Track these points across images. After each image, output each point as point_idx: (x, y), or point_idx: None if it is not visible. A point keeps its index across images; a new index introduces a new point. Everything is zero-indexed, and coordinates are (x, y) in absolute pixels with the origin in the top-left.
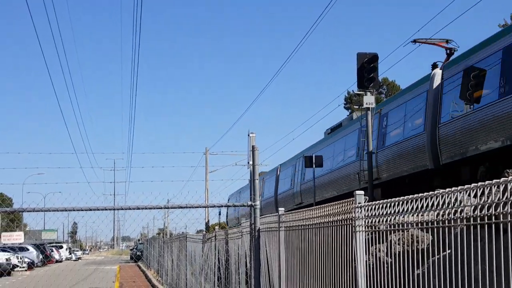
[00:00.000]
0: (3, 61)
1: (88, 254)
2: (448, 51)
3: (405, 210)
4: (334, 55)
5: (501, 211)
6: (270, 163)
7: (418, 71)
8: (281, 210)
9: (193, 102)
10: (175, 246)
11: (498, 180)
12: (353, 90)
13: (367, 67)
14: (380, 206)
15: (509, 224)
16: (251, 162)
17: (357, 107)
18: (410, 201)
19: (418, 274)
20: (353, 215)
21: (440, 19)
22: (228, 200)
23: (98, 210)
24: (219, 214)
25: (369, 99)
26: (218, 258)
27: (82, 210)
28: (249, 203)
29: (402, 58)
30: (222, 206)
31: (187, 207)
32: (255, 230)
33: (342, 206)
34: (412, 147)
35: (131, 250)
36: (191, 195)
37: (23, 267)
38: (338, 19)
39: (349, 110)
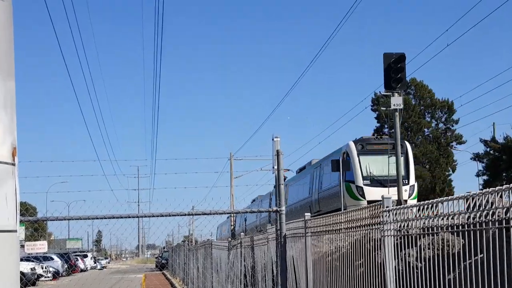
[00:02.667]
0: (25, 67)
1: (109, 263)
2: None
3: (436, 213)
4: (361, 56)
5: None
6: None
7: (449, 71)
8: (307, 215)
9: (217, 107)
10: (200, 254)
11: None
12: (380, 92)
13: (394, 68)
14: (410, 209)
15: None
16: (275, 167)
17: (384, 108)
18: (440, 203)
19: (449, 279)
20: (381, 219)
21: (474, 14)
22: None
23: (122, 218)
24: (232, 228)
25: (396, 100)
26: (244, 265)
27: (105, 218)
28: (275, 208)
29: (430, 58)
30: (247, 212)
31: (211, 214)
32: (281, 236)
33: (370, 210)
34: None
35: (156, 258)
36: (215, 201)
37: (48, 277)
38: (364, 19)
39: (377, 112)
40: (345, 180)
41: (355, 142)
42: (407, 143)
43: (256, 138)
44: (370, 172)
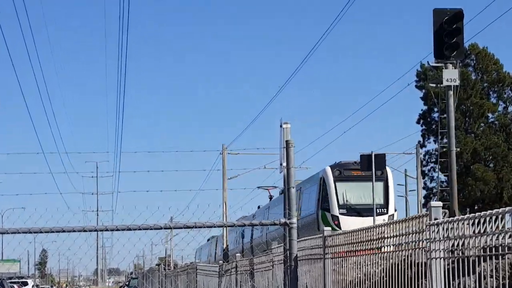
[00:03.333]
0: None
1: None
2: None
3: (502, 228)
4: (400, 12)
5: None
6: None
7: None
8: (327, 229)
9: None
10: (181, 281)
11: None
12: (428, 62)
13: (447, 29)
14: (466, 222)
15: None
16: (284, 163)
17: (433, 85)
18: (508, 215)
19: None
20: (427, 236)
21: None
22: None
23: (75, 231)
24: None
25: (450, 74)
26: None
27: (52, 232)
28: (282, 220)
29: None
30: (245, 226)
31: (196, 227)
32: (291, 258)
33: (411, 223)
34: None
35: (121, 287)
36: (201, 210)
37: None
38: None
39: (423, 91)
40: (321, 208)
41: (332, 167)
42: (388, 168)
43: (258, 126)
44: (346, 200)
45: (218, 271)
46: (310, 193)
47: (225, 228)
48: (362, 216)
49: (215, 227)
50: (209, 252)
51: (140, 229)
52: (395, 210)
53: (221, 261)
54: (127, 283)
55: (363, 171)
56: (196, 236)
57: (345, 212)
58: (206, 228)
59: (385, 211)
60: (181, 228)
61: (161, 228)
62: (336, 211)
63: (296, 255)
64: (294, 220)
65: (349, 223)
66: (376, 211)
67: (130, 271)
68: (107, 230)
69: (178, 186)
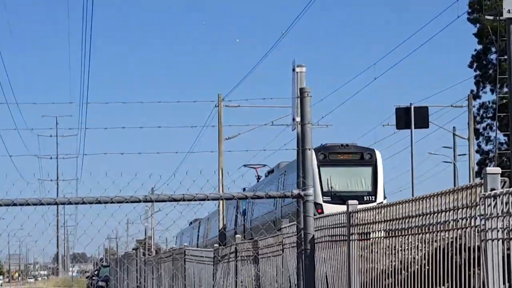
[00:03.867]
0: None
1: (9, 283)
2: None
3: None
4: None
5: None
6: (336, 120)
7: None
8: (353, 203)
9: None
10: (165, 270)
11: None
12: None
13: None
14: None
15: None
16: (298, 119)
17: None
18: None
19: None
20: (481, 211)
21: None
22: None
23: (29, 205)
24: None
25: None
26: None
27: (0, 205)
28: (295, 191)
29: None
30: (247, 198)
31: (185, 200)
32: (306, 240)
33: (460, 195)
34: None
35: (88, 277)
36: (190, 179)
37: None
38: None
39: (477, 25)
40: None
41: (316, 150)
42: (376, 151)
43: (263, 72)
44: (331, 187)
45: (213, 257)
46: (294, 178)
47: (221, 202)
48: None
49: (209, 200)
50: (191, 238)
51: (112, 202)
52: (385, 198)
53: (216, 245)
54: (95, 272)
55: (399, 129)
56: (185, 211)
57: (330, 199)
58: (197, 203)
59: (373, 199)
60: (165, 201)
61: (139, 201)
62: (319, 198)
63: (313, 236)
64: (311, 191)
65: (333, 212)
66: (364, 199)
67: (99, 257)
68: (70, 203)
69: (161, 147)
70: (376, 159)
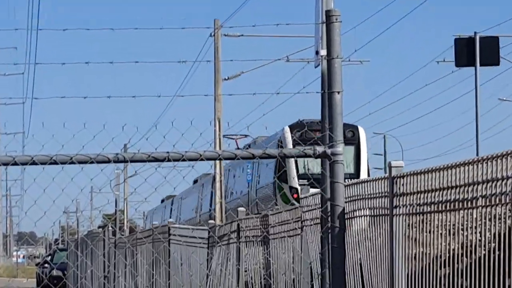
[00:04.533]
0: None
1: None
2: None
3: None
4: None
5: None
6: (372, 55)
7: None
8: (397, 164)
9: None
10: (142, 254)
11: None
12: None
13: None
14: None
15: None
16: (323, 52)
17: None
18: None
19: None
20: None
21: None
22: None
23: None
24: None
25: None
26: (247, 282)
27: None
28: (320, 149)
29: None
30: (253, 158)
31: (170, 160)
32: (334, 215)
33: None
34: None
35: (38, 264)
36: (177, 131)
37: None
38: None
39: None
40: (278, 178)
41: (292, 128)
42: (360, 128)
43: None
44: (308, 169)
45: (207, 237)
46: (262, 162)
47: (218, 164)
48: None
49: (202, 159)
50: (162, 217)
51: (72, 163)
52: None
53: (211, 222)
54: (48, 258)
55: (460, 66)
56: (170, 176)
57: (306, 183)
58: (185, 164)
59: None
60: (144, 161)
61: (108, 161)
62: (295, 182)
63: (343, 209)
64: (340, 148)
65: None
66: (345, 182)
67: (54, 238)
68: (15, 164)
69: (139, 90)
70: (359, 137)
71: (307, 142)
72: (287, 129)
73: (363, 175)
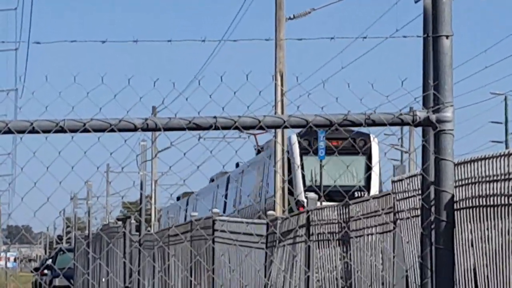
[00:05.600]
0: None
1: None
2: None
3: None
4: None
5: None
6: None
7: None
8: None
9: None
10: (177, 257)
11: None
12: None
13: None
14: None
15: None
16: None
17: None
18: None
19: None
20: None
21: None
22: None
23: None
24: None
25: None
26: None
27: None
28: (421, 114)
29: None
30: (331, 125)
31: (217, 128)
32: (441, 203)
33: None
34: None
35: (36, 271)
36: (228, 92)
37: None
38: None
39: None
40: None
41: (301, 135)
42: (372, 137)
43: None
44: (316, 181)
45: (265, 234)
46: (272, 168)
47: (281, 133)
48: (336, 201)
49: (261, 128)
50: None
51: (86, 131)
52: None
53: (271, 213)
54: (49, 261)
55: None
56: (217, 150)
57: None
58: (235, 134)
59: (366, 195)
60: (182, 129)
61: (135, 129)
62: (301, 194)
63: (453, 197)
64: (449, 114)
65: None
66: (354, 195)
67: (56, 235)
68: (8, 131)
69: (172, 33)
70: (370, 147)
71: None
72: (294, 138)
73: (374, 188)
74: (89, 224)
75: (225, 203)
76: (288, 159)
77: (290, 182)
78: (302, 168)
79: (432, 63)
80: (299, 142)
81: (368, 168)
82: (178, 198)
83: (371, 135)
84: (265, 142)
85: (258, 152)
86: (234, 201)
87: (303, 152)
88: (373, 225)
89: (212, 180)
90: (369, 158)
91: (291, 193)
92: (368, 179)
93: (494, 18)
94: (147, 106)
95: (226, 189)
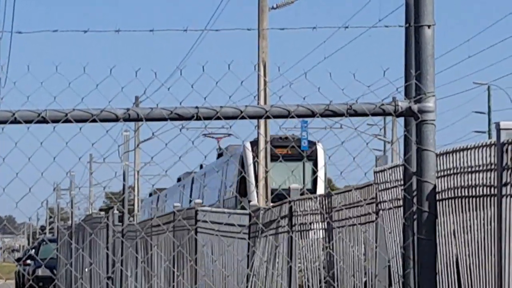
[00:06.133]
0: None
1: None
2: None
3: None
4: None
5: None
6: None
7: None
8: (509, 125)
9: None
10: (160, 247)
11: None
12: None
13: None
14: None
15: None
16: None
17: None
18: None
19: None
20: None
21: None
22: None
23: None
24: None
25: None
26: (302, 283)
27: None
28: (403, 104)
29: None
30: (313, 115)
31: (199, 119)
32: (422, 195)
33: None
34: None
35: (19, 261)
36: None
37: None
38: None
39: None
40: (239, 192)
41: (253, 144)
42: (318, 143)
43: None
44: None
45: (248, 224)
46: (229, 173)
47: (264, 123)
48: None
49: (243, 118)
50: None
51: (67, 122)
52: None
53: (253, 202)
54: (32, 251)
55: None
56: (199, 141)
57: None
58: (218, 124)
59: None
60: (164, 119)
61: (116, 120)
62: (254, 197)
63: (434, 187)
64: (431, 104)
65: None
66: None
67: (39, 226)
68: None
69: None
70: (317, 153)
71: (271, 158)
72: (248, 145)
73: (320, 189)
74: (72, 215)
75: (190, 201)
76: (242, 165)
77: (244, 185)
78: (255, 173)
79: (414, 53)
80: (252, 149)
81: (315, 172)
82: (179, 179)
83: (317, 142)
84: (225, 148)
85: (219, 156)
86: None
87: (255, 158)
88: (355, 216)
89: (179, 179)
90: (315, 163)
91: (245, 195)
92: (314, 183)
93: (477, 7)
94: (129, 96)
95: (191, 189)
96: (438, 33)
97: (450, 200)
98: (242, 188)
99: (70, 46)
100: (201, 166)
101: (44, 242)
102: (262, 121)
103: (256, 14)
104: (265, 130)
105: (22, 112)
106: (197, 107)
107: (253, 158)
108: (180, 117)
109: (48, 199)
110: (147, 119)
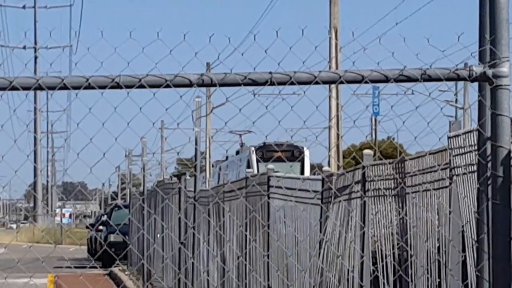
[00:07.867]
0: None
1: None
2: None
3: None
4: None
5: None
6: None
7: None
8: None
9: None
10: (233, 213)
11: None
12: None
13: None
14: None
15: None
16: None
17: None
18: None
19: None
20: None
21: None
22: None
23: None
24: None
25: None
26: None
27: None
28: (477, 69)
29: None
30: (387, 80)
31: (272, 84)
32: (497, 159)
33: None
34: None
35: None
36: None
37: None
38: None
39: None
40: None
41: (257, 149)
42: (305, 147)
43: None
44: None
45: (321, 190)
46: (241, 167)
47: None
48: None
49: (317, 83)
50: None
51: (141, 87)
52: None
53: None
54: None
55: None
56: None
57: None
58: (289, 90)
59: None
60: (237, 85)
61: (190, 85)
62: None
63: (509, 152)
64: (505, 69)
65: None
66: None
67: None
68: (64, 87)
69: None
70: (303, 156)
71: (269, 160)
72: (253, 150)
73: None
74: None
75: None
76: (248, 166)
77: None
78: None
79: (489, 18)
80: (256, 153)
81: (302, 171)
82: (237, 152)
83: (304, 147)
84: (241, 146)
85: (237, 153)
86: None
87: (258, 160)
88: (429, 181)
89: (237, 152)
90: (302, 165)
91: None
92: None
93: None
94: (202, 62)
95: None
96: None
97: None
98: None
99: (144, 11)
100: (226, 158)
101: (117, 208)
102: (334, 86)
103: None
104: (336, 95)
105: (96, 77)
106: (270, 72)
107: (257, 160)
108: (254, 82)
109: (121, 165)
110: (221, 85)
